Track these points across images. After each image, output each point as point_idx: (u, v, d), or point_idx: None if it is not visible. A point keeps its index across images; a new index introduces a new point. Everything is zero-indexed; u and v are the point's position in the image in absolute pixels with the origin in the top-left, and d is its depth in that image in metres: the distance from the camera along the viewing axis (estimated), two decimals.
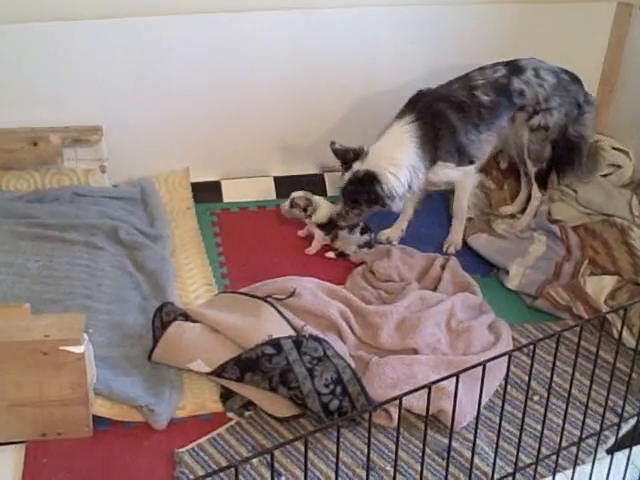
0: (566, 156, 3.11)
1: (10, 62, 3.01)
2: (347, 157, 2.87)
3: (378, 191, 2.79)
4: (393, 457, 2.26)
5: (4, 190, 3.06)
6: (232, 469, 1.18)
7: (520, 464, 2.03)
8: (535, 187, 3.17)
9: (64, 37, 3.01)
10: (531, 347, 2.68)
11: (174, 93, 3.19)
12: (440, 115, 2.88)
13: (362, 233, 3.02)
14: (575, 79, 3.07)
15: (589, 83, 3.55)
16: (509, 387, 2.50)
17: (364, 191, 2.81)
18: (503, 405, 1.75)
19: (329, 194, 3.36)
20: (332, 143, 2.91)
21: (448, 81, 3.00)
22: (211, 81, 3.21)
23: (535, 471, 1.75)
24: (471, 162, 2.98)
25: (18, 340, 2.15)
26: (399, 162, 2.81)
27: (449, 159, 2.92)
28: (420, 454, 2.29)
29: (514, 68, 2.98)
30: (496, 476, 1.84)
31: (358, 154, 2.84)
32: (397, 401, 2.25)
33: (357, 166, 2.84)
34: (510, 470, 2.09)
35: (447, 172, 2.96)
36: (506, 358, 2.52)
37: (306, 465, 1.32)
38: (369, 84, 3.36)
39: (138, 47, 3.09)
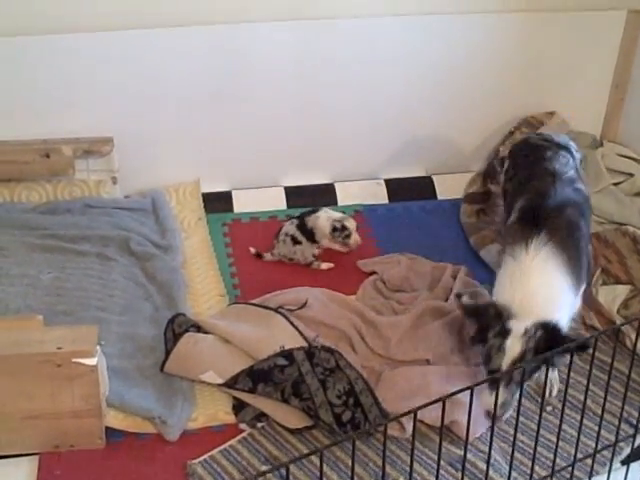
0: None
1: (22, 74, 3.03)
2: (484, 316, 2.24)
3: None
4: (405, 468, 2.28)
5: (16, 202, 3.07)
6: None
7: (535, 476, 2.01)
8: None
9: (75, 49, 3.03)
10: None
11: (185, 104, 3.20)
12: (572, 223, 2.43)
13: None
14: None
15: (600, 91, 3.56)
16: (523, 399, 2.49)
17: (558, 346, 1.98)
18: (518, 416, 1.74)
19: (340, 203, 3.36)
20: (458, 296, 2.42)
21: (531, 180, 2.61)
22: (221, 92, 3.21)
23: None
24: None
25: (31, 352, 2.16)
26: (558, 303, 2.24)
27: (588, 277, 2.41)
28: (433, 465, 2.28)
29: (565, 149, 2.75)
30: None
31: (499, 311, 2.21)
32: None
33: (521, 325, 2.16)
34: None
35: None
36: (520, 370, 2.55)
37: (321, 479, 1.32)
38: (377, 92, 3.35)
39: (149, 59, 3.10)
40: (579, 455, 1.95)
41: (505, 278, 2.29)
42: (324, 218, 2.99)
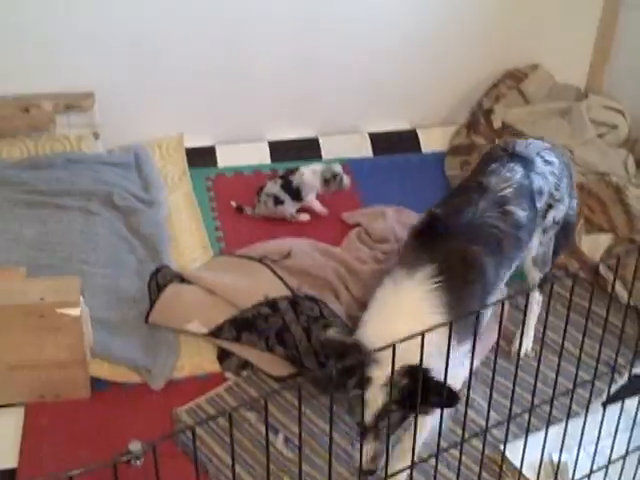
0: (564, 239, 2.47)
1: (0, 28, 2.99)
2: (346, 358, 1.84)
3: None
4: None
5: None
6: (227, 418, 1.18)
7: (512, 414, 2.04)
8: (536, 293, 2.46)
9: (57, 3, 2.98)
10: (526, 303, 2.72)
11: (167, 58, 3.16)
12: (475, 262, 2.00)
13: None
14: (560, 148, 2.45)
15: (585, 42, 3.54)
16: (504, 343, 2.51)
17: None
18: (496, 359, 1.75)
19: (324, 157, 3.34)
20: (325, 326, 2.24)
21: (459, 191, 2.24)
22: (205, 45, 3.17)
23: (529, 421, 1.75)
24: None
25: (14, 303, 2.16)
26: (431, 350, 1.55)
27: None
28: None
29: (523, 162, 2.23)
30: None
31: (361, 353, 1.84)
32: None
33: (383, 372, 1.77)
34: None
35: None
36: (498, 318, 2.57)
37: (300, 411, 1.33)
38: (362, 46, 3.32)
39: (131, 11, 3.06)
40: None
41: (376, 307, 1.95)
42: (309, 174, 2.99)
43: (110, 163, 3.09)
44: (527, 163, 2.23)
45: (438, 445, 1.62)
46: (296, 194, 2.97)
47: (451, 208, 2.10)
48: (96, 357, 2.31)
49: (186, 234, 2.91)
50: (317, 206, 3.04)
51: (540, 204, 2.21)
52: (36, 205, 2.85)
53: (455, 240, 2.01)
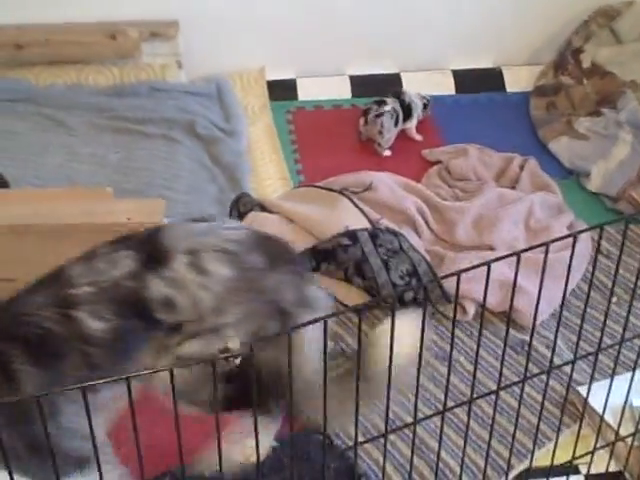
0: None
1: None
2: None
3: None
4: (466, 349, 2.30)
5: (84, 84, 3.10)
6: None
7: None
8: None
9: None
10: (611, 249, 2.66)
11: None
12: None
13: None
14: (280, 259, 1.67)
15: None
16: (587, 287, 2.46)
17: None
18: (589, 296, 1.71)
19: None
20: None
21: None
22: None
23: (616, 360, 1.72)
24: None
25: (101, 222, 2.20)
26: None
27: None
28: (491, 346, 2.30)
29: (149, 255, 1.58)
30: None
31: None
32: (473, 295, 2.29)
33: None
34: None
35: None
36: (585, 258, 2.52)
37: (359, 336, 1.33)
38: None
39: None
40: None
41: None
42: (414, 95, 3.06)
43: (192, 93, 3.11)
44: (155, 255, 1.57)
45: (499, 378, 1.57)
46: (408, 112, 3.01)
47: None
48: None
49: (266, 165, 2.92)
50: (414, 131, 3.07)
51: (167, 318, 1.55)
52: (121, 131, 2.90)
53: None
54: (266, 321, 1.59)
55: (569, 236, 1.41)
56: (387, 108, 2.96)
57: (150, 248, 1.58)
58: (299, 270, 1.69)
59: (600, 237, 1.47)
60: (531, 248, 1.39)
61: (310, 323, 1.15)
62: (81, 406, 1.07)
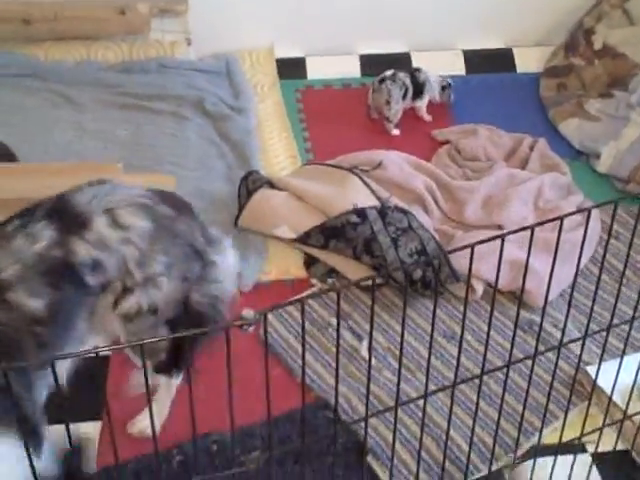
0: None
1: None
2: None
3: None
4: (474, 328, 2.29)
5: (92, 60, 3.09)
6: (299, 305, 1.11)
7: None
8: (163, 378, 1.88)
9: None
10: (621, 231, 2.65)
11: None
12: None
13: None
14: (183, 208, 1.76)
15: None
16: (596, 269, 2.46)
17: None
18: (600, 277, 1.69)
19: None
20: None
21: None
22: None
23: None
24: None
25: None
26: None
27: None
28: (500, 326, 2.30)
29: (66, 221, 1.55)
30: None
31: None
32: (481, 274, 2.28)
33: None
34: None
35: None
36: (594, 238, 2.51)
37: (372, 310, 1.32)
38: None
39: None
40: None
41: None
42: (432, 75, 3.05)
43: (201, 70, 3.10)
44: (72, 222, 1.55)
45: (510, 355, 1.57)
46: (419, 89, 3.00)
47: None
48: None
49: (275, 143, 2.91)
50: (425, 111, 3.05)
51: (96, 281, 1.56)
52: (129, 107, 2.89)
53: None
54: (190, 263, 1.68)
55: (583, 211, 1.40)
56: (396, 77, 2.96)
57: (65, 215, 1.56)
58: (196, 215, 1.79)
59: (614, 213, 1.46)
60: (544, 222, 1.38)
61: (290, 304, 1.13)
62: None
